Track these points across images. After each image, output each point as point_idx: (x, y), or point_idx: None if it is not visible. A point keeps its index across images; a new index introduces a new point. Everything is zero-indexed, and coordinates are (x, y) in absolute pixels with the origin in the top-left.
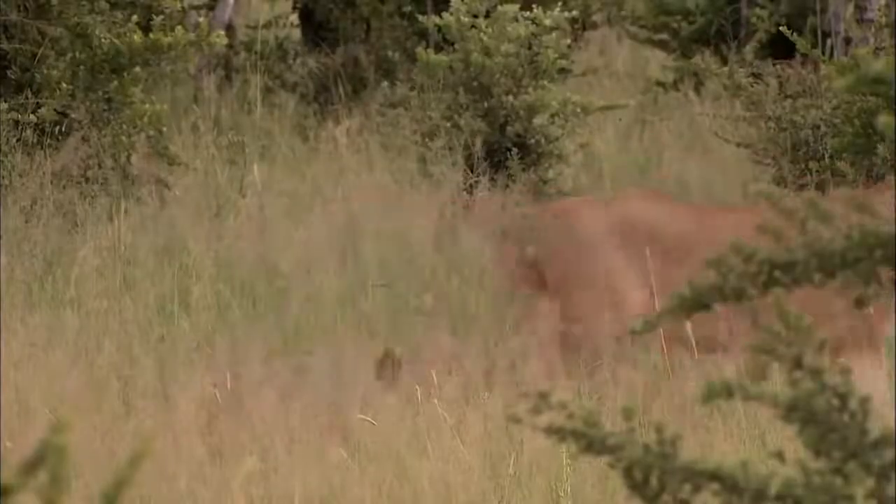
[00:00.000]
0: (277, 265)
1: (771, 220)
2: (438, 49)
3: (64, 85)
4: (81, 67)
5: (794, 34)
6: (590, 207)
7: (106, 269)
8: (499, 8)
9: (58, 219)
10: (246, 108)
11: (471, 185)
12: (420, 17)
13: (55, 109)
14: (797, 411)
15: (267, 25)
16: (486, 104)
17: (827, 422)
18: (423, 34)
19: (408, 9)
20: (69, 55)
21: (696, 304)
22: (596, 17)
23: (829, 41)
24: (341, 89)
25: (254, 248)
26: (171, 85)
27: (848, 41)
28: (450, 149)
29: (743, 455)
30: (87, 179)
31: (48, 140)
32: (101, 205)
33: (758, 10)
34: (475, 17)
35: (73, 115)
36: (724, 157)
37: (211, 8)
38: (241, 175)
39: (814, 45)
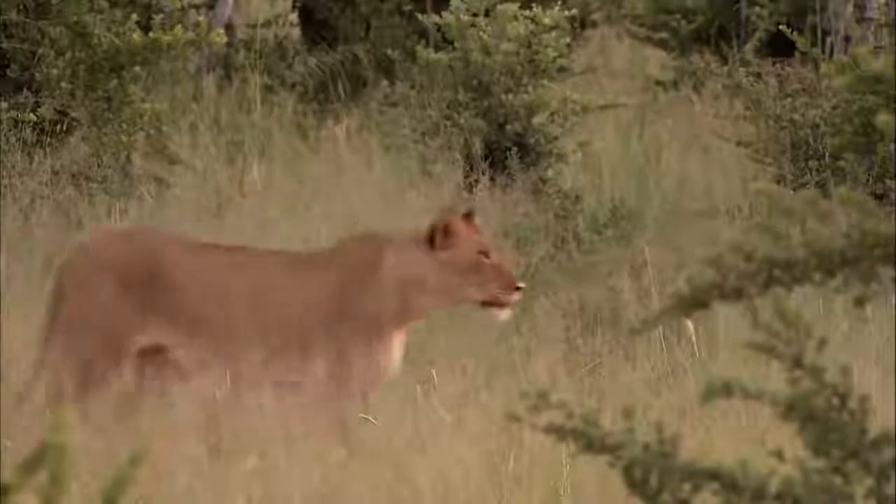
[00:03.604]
0: None
1: None
2: (438, 48)
3: (63, 84)
4: (81, 66)
5: (794, 33)
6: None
7: None
8: (498, 7)
9: (57, 218)
10: (245, 106)
11: (470, 184)
12: (420, 16)
13: (55, 108)
14: (797, 410)
15: (266, 24)
16: (485, 103)
17: (826, 421)
18: (422, 33)
19: (407, 8)
20: (69, 54)
21: (694, 302)
22: (595, 16)
23: (828, 40)
24: (341, 88)
25: None
26: (170, 84)
27: (847, 40)
28: (449, 148)
29: (742, 454)
30: (86, 178)
31: (48, 139)
32: (100, 203)
33: (758, 9)
34: (475, 15)
35: (72, 114)
36: (724, 156)
37: (210, 7)
38: (240, 174)
39: (813, 44)
